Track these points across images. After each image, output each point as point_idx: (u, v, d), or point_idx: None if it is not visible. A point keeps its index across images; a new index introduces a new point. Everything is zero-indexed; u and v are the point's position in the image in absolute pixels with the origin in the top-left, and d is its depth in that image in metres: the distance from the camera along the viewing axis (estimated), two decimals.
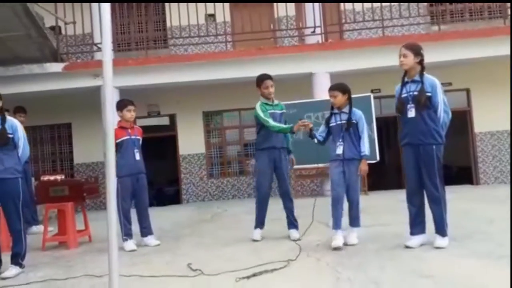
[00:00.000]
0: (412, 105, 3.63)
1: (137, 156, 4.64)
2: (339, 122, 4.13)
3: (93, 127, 9.84)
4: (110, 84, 2.00)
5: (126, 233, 4.52)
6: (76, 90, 8.90)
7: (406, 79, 3.74)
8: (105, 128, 1.98)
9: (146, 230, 4.71)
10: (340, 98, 4.11)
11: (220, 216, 6.72)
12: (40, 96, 8.76)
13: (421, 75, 3.63)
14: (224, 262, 3.67)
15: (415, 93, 3.62)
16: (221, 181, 10.40)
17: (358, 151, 4.05)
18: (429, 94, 3.57)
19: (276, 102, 4.78)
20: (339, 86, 4.16)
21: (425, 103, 3.55)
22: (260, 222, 4.64)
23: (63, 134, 10.81)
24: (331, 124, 4.23)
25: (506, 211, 5.15)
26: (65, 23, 8.39)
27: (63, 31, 8.97)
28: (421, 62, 3.65)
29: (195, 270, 3.43)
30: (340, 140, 4.10)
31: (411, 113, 3.64)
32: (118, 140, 4.48)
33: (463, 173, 10.31)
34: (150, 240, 4.68)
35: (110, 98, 2.06)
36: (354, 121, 4.07)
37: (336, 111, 4.19)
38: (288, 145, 4.83)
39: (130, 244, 4.49)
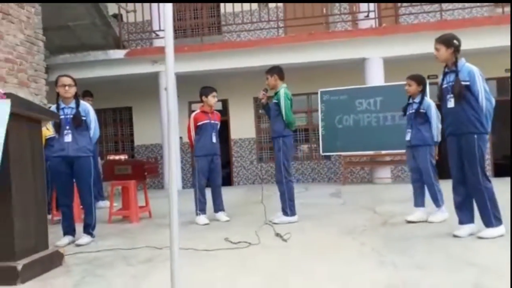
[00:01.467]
0: (451, 95, 3.60)
1: (214, 139, 5.07)
2: (411, 111, 4.56)
3: (152, 111, 10.40)
4: (172, 71, 2.21)
5: (201, 208, 4.93)
6: (136, 75, 9.44)
7: (446, 70, 3.72)
8: (169, 111, 2.20)
9: (218, 206, 5.09)
10: (415, 87, 4.51)
11: (270, 198, 6.94)
12: (104, 81, 9.38)
13: (456, 65, 3.60)
14: (271, 239, 3.88)
15: (452, 83, 3.60)
16: (271, 166, 10.63)
17: (424, 138, 4.43)
18: (467, 83, 3.53)
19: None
20: (414, 77, 4.55)
21: (461, 92, 3.52)
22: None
23: (124, 117, 11.53)
24: (407, 113, 4.64)
25: None
26: (127, 11, 8.87)
27: (124, 19, 9.49)
28: (455, 52, 3.61)
29: (237, 243, 3.67)
30: (409, 127, 4.56)
31: (451, 103, 3.62)
32: (199, 123, 4.98)
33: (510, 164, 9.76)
34: (221, 216, 5.04)
35: (172, 85, 2.27)
36: (422, 110, 4.46)
37: (410, 100, 4.60)
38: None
39: (203, 219, 4.88)
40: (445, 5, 8.70)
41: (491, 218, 3.51)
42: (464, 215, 3.66)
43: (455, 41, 3.61)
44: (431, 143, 4.48)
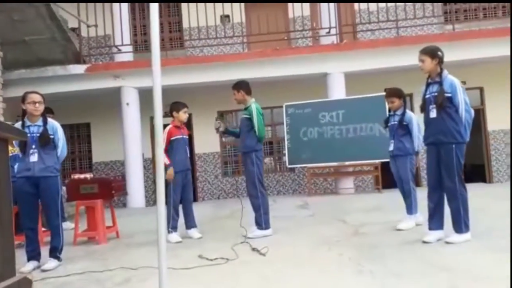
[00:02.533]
0: (434, 105, 3.76)
1: (187, 153, 5.03)
2: (393, 123, 4.80)
3: (111, 127, 10.14)
4: (159, 85, 2.19)
5: (173, 226, 4.80)
6: (96, 91, 9.17)
7: (429, 81, 3.87)
8: (156, 126, 2.17)
9: (190, 223, 4.98)
10: (398, 103, 4.74)
11: (238, 212, 6.92)
12: (61, 96, 9.03)
13: (441, 76, 3.76)
14: (249, 255, 3.87)
15: (436, 94, 3.75)
16: (236, 179, 10.62)
17: (405, 148, 4.67)
18: (449, 94, 3.69)
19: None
20: (395, 93, 4.78)
21: (444, 103, 3.68)
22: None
23: (82, 133, 11.14)
24: (389, 124, 4.87)
25: None
26: (87, 26, 8.65)
27: (84, 33, 9.24)
28: (439, 63, 3.77)
29: (213, 260, 3.63)
30: (392, 138, 4.81)
31: (433, 114, 3.77)
32: (173, 138, 4.88)
33: (476, 171, 10.39)
34: (194, 232, 4.94)
35: (159, 100, 2.24)
36: (404, 122, 4.69)
37: (391, 112, 4.83)
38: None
39: (175, 236, 4.76)
40: (400, 22, 9.18)
41: (462, 224, 3.69)
42: (435, 221, 3.83)
43: (439, 53, 3.76)
44: (411, 153, 4.71)
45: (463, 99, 3.69)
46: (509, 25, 9.05)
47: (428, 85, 3.88)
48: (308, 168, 9.11)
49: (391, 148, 4.79)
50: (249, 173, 4.75)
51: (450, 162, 3.70)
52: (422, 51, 3.84)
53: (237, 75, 8.72)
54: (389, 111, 4.88)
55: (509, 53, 8.39)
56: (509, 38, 8.11)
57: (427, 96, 3.85)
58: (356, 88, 8.86)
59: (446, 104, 3.68)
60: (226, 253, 3.98)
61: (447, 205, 3.79)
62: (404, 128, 4.67)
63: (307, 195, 8.95)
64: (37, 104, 3.90)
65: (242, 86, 4.85)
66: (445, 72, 3.78)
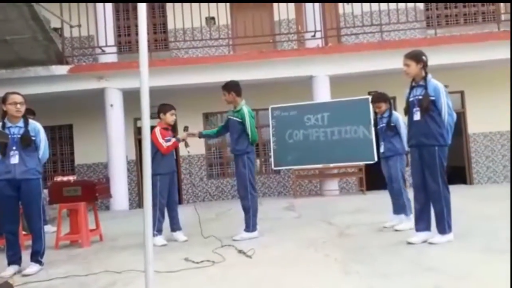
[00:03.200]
0: (418, 108, 3.82)
1: (174, 156, 5.04)
2: (381, 125, 4.82)
3: (94, 128, 9.99)
4: (147, 86, 2.17)
5: (158, 229, 4.73)
6: (78, 92, 9.04)
7: (413, 84, 3.93)
8: (143, 129, 2.15)
9: (175, 225, 4.93)
10: (384, 106, 4.84)
11: (225, 215, 6.90)
12: (43, 98, 8.86)
13: (425, 80, 3.82)
14: (235, 257, 3.86)
15: (420, 97, 3.81)
16: (221, 182, 10.59)
17: (395, 149, 4.75)
18: (432, 98, 3.76)
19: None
20: (381, 98, 4.89)
21: (428, 107, 3.74)
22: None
23: (64, 135, 10.95)
24: (378, 127, 4.96)
25: (501, 208, 5.41)
26: (71, 26, 8.52)
27: (67, 33, 9.09)
28: (424, 67, 3.83)
29: (199, 263, 3.61)
30: (382, 140, 4.88)
31: (417, 116, 3.83)
32: (165, 139, 4.84)
33: (457, 173, 10.59)
34: (179, 235, 4.89)
35: (147, 102, 2.22)
36: (392, 124, 4.78)
37: (379, 116, 4.95)
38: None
39: (160, 239, 4.69)
40: (384, 27, 9.31)
41: (445, 225, 3.75)
42: (422, 223, 3.87)
43: (423, 57, 3.83)
44: (402, 153, 4.79)
45: (446, 103, 3.75)
46: (487, 30, 9.30)
47: (412, 88, 3.94)
48: (294, 170, 9.14)
49: (382, 149, 4.88)
50: (240, 175, 4.74)
51: (433, 164, 3.76)
52: (407, 55, 3.89)
53: (222, 77, 8.68)
54: (376, 114, 4.99)
55: (489, 58, 8.63)
56: (486, 43, 8.34)
57: (411, 99, 3.91)
58: (341, 91, 8.95)
59: (431, 107, 3.74)
60: (213, 256, 3.95)
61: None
62: (393, 129, 4.74)
63: (292, 197, 8.98)
64: (18, 105, 3.81)
65: (232, 87, 4.79)
66: (429, 76, 3.85)
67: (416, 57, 3.83)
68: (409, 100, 3.94)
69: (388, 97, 4.94)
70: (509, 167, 10.07)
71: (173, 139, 4.88)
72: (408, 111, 3.93)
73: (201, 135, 5.21)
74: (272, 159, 9.06)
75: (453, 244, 3.73)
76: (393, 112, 4.88)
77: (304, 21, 9.26)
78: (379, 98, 4.89)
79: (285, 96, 9.32)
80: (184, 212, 7.63)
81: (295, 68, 8.79)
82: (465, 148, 10.25)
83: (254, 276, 3.30)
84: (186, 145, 5.04)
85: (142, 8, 2.16)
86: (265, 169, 10.71)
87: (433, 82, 3.82)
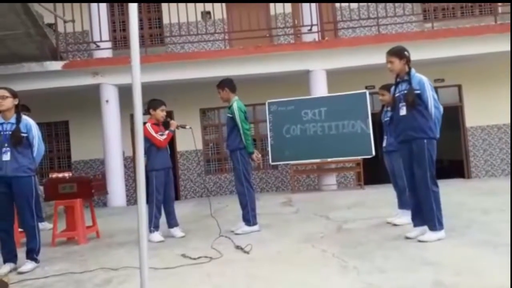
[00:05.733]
0: (403, 103, 3.81)
1: (168, 151, 4.97)
2: (386, 119, 4.74)
3: (90, 125, 9.92)
4: (139, 82, 2.12)
5: (155, 225, 4.70)
6: (74, 88, 8.96)
7: (398, 79, 3.94)
8: (136, 124, 2.10)
9: (172, 221, 4.90)
10: (388, 97, 4.62)
11: (222, 211, 6.86)
12: (38, 94, 8.79)
13: (409, 74, 3.82)
14: (233, 253, 3.83)
15: (405, 92, 3.80)
16: (219, 177, 10.55)
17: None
18: (418, 91, 3.75)
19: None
20: (387, 86, 4.68)
21: (414, 101, 3.72)
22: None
23: (60, 131, 10.87)
24: (383, 120, 4.84)
25: (499, 202, 5.40)
26: (64, 21, 8.42)
27: (61, 29, 8.99)
28: (407, 63, 3.83)
29: (197, 259, 3.58)
30: (385, 134, 4.79)
31: (403, 111, 3.82)
32: (158, 134, 4.79)
33: (455, 166, 10.60)
34: (177, 231, 4.86)
35: (139, 97, 2.17)
36: None
37: (385, 108, 4.81)
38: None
39: (157, 236, 4.66)
40: (381, 20, 9.25)
41: (435, 222, 3.68)
42: (419, 218, 3.85)
43: (406, 53, 3.83)
44: None
45: (431, 95, 3.73)
46: (484, 23, 9.25)
47: (397, 84, 3.94)
48: (291, 165, 9.11)
49: (384, 143, 4.83)
50: (235, 171, 4.77)
51: (422, 158, 3.72)
52: (389, 52, 3.90)
53: (218, 72, 8.67)
54: (382, 107, 4.89)
55: (486, 51, 8.59)
56: (483, 36, 8.30)
57: (397, 94, 3.92)
58: (338, 85, 8.90)
59: (416, 101, 3.72)
60: (210, 251, 3.93)
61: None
62: None
63: (290, 192, 8.95)
64: (0, 100, 3.74)
65: (226, 84, 4.84)
66: (413, 70, 3.86)
67: (399, 53, 3.84)
68: (395, 96, 3.93)
69: None
70: (507, 161, 10.07)
71: (167, 131, 4.85)
72: (395, 107, 3.92)
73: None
74: (269, 154, 9.02)
75: (451, 239, 3.70)
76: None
77: (300, 15, 9.19)
78: (383, 86, 4.78)
79: (282, 91, 9.27)
80: (182, 208, 7.62)
81: (291, 62, 8.73)
82: (462, 142, 10.23)
83: (251, 272, 3.27)
84: (183, 127, 5.05)
85: (133, 8, 2.11)
86: (262, 165, 10.68)
87: (417, 75, 3.83)
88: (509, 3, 8.99)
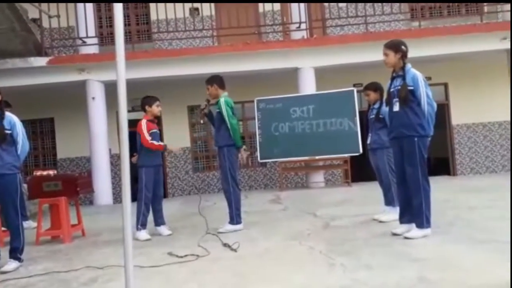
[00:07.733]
0: (397, 99, 3.78)
1: None
2: (371, 117, 4.76)
3: (76, 122, 9.78)
4: (123, 79, 2.09)
5: (143, 223, 4.66)
6: (60, 84, 8.82)
7: (393, 74, 3.90)
8: (120, 121, 2.07)
9: (160, 220, 4.87)
10: (373, 95, 4.76)
11: (210, 209, 6.84)
12: (23, 90, 8.63)
13: (404, 69, 3.77)
14: (220, 251, 3.82)
15: (399, 87, 3.77)
16: (207, 175, 10.51)
17: (382, 142, 4.63)
18: (411, 88, 3.70)
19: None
20: (371, 85, 4.80)
21: (407, 97, 3.68)
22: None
23: (45, 129, 10.70)
24: (368, 118, 4.89)
25: (485, 199, 5.48)
26: (49, 17, 8.28)
27: (46, 24, 8.84)
28: (403, 57, 3.78)
29: (183, 257, 3.55)
30: (370, 131, 4.82)
31: (396, 107, 3.80)
32: (151, 132, 4.75)
33: (440, 164, 10.72)
34: (164, 229, 4.82)
35: (124, 94, 2.14)
36: (381, 115, 4.66)
37: (371, 106, 4.84)
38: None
39: (144, 234, 4.62)
40: (369, 18, 9.29)
41: (423, 219, 3.68)
42: (406, 215, 3.86)
43: (403, 47, 3.77)
44: (388, 146, 4.61)
45: (425, 92, 3.68)
46: (470, 23, 9.36)
47: (392, 79, 3.92)
48: (280, 162, 9.12)
49: (368, 141, 4.85)
50: (222, 168, 4.75)
51: (413, 156, 3.70)
52: (386, 45, 3.87)
53: (207, 69, 8.60)
54: (369, 105, 4.92)
55: (472, 50, 8.69)
56: (469, 35, 8.39)
57: (392, 89, 3.89)
58: (326, 83, 8.92)
59: (409, 97, 3.69)
60: (197, 249, 3.91)
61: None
62: (381, 121, 4.64)
63: (278, 190, 8.97)
64: None
65: (215, 80, 4.83)
66: (408, 65, 3.80)
67: (395, 46, 3.79)
68: (390, 91, 3.91)
69: (380, 86, 4.80)
70: (491, 158, 10.23)
71: (161, 143, 4.82)
72: (389, 103, 3.91)
73: (209, 115, 4.96)
74: (258, 152, 9.01)
75: (437, 235, 3.74)
76: (384, 104, 4.82)
77: (289, 12, 9.17)
78: (368, 85, 4.82)
79: (270, 89, 9.26)
80: (168, 205, 7.58)
81: (280, 60, 8.72)
82: (448, 140, 10.36)
83: (239, 269, 3.26)
84: (203, 117, 5.03)
85: (118, 8, 2.08)
86: (251, 162, 10.66)
87: (412, 71, 3.77)
88: (499, 3, 9.12)
